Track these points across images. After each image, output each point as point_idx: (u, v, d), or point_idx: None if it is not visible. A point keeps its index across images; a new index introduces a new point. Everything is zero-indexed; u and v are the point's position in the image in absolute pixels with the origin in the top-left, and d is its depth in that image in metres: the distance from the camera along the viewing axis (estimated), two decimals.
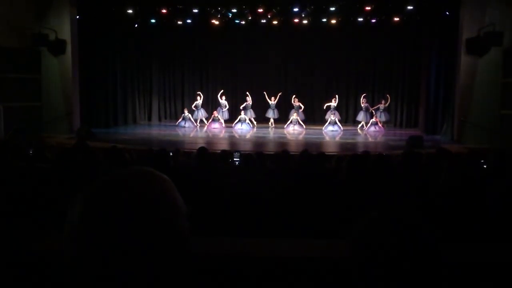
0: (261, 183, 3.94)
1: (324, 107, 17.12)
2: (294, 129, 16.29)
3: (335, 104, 16.71)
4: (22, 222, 2.93)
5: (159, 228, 0.76)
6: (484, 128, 12.74)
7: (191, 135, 15.69)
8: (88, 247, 0.73)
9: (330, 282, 2.04)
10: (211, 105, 18.80)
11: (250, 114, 17.14)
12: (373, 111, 16.84)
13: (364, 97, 16.99)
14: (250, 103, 17.17)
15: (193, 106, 17.52)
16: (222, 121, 17.09)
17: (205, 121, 17.26)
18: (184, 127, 16.96)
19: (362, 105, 16.89)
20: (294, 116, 16.55)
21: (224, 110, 17.32)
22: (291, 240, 2.28)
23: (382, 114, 16.77)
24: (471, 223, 3.03)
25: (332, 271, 2.03)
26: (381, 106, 16.82)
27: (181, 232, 0.79)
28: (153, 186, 0.80)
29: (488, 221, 3.05)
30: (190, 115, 17.21)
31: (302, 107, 16.97)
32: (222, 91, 17.70)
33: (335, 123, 16.36)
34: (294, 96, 17.08)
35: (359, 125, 16.78)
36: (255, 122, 17.21)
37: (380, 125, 16.50)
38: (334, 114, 16.50)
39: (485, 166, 5.63)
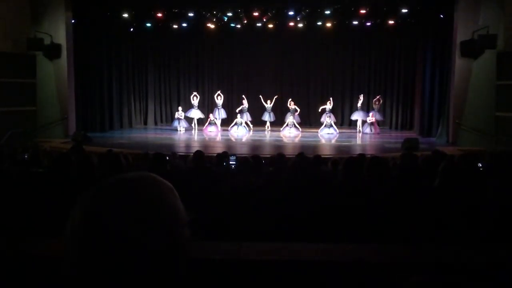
0: (257, 186, 3.94)
1: (319, 110, 17.15)
2: (290, 132, 16.31)
3: (330, 107, 16.75)
4: (18, 226, 2.92)
5: (157, 235, 0.76)
6: (479, 130, 12.80)
7: (187, 138, 15.68)
8: (86, 252, 0.73)
9: (330, 285, 2.04)
10: (207, 108, 18.80)
11: (246, 117, 17.16)
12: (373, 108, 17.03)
13: (359, 98, 17.08)
14: (246, 106, 17.19)
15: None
16: (219, 122, 17.14)
17: (196, 123, 17.26)
18: (178, 127, 16.91)
19: (358, 105, 17.00)
20: (290, 119, 16.57)
21: (220, 108, 17.32)
22: (288, 244, 2.28)
23: (377, 114, 16.87)
24: (467, 224, 3.03)
25: (331, 274, 2.03)
26: (375, 106, 16.96)
27: (179, 239, 0.79)
28: (153, 192, 0.80)
29: (484, 222, 3.06)
30: (183, 114, 17.19)
31: (298, 110, 17.00)
32: (219, 91, 17.72)
33: (331, 125, 16.38)
34: (290, 99, 17.11)
35: (364, 128, 16.66)
36: (251, 125, 17.22)
37: (375, 125, 16.54)
38: (329, 116, 16.53)
39: (480, 167, 5.65)
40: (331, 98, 17.05)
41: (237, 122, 16.70)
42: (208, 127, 16.96)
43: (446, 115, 14.35)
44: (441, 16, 14.76)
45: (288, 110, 17.01)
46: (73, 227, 0.76)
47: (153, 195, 0.79)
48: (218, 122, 17.28)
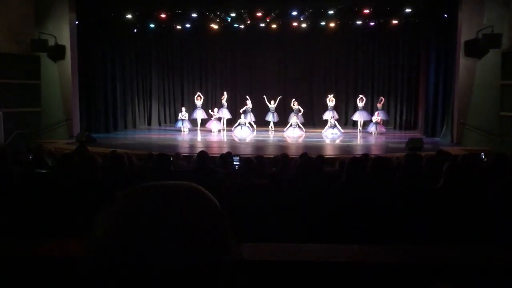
0: (260, 186, 3.94)
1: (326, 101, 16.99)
2: (294, 133, 16.28)
3: (332, 104, 16.71)
4: (23, 227, 2.92)
5: (192, 254, 0.67)
6: (484, 130, 12.74)
7: (191, 139, 15.69)
8: (114, 254, 0.67)
9: (333, 285, 2.03)
10: (210, 109, 18.79)
11: (250, 117, 17.15)
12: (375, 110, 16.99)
13: (360, 98, 17.03)
14: (250, 107, 17.18)
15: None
16: (224, 121, 17.12)
17: (200, 124, 17.32)
18: (181, 128, 16.92)
19: (359, 105, 16.96)
20: (293, 119, 16.54)
21: (225, 108, 17.31)
22: (291, 245, 2.27)
23: (381, 113, 16.80)
24: (471, 225, 3.02)
25: (335, 275, 2.03)
26: (379, 105, 16.91)
27: (215, 264, 0.70)
28: (203, 214, 0.71)
29: (488, 222, 3.04)
30: (187, 114, 17.21)
31: (302, 110, 16.97)
32: (224, 92, 17.68)
33: (335, 125, 16.34)
34: (293, 99, 17.08)
35: (370, 127, 16.57)
36: (254, 126, 17.21)
37: (381, 125, 16.48)
38: (333, 117, 16.47)
39: (485, 167, 5.63)
40: (331, 95, 16.92)
41: (241, 123, 16.69)
42: (211, 122, 16.94)
43: (450, 115, 14.29)
44: (445, 15, 14.70)
45: (291, 110, 16.98)
46: (105, 227, 0.69)
47: (201, 218, 0.71)
48: (223, 121, 17.29)
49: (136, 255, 0.65)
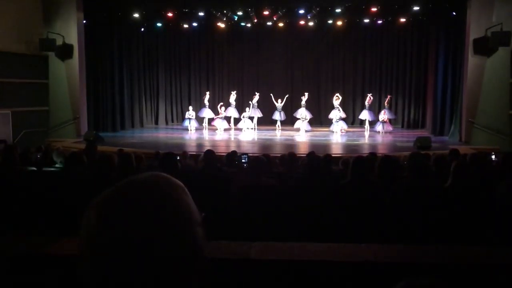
0: (268, 185, 3.94)
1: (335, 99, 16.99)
2: (302, 126, 16.36)
3: (338, 103, 16.68)
4: (31, 225, 2.94)
5: (172, 235, 0.75)
6: (493, 128, 12.64)
7: (198, 138, 15.72)
8: (101, 254, 0.73)
9: (340, 285, 2.03)
10: (216, 109, 18.82)
11: (255, 112, 17.07)
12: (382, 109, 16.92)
13: (369, 97, 16.95)
14: (256, 100, 17.12)
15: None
16: (232, 117, 17.14)
17: (207, 123, 17.35)
18: (188, 127, 16.93)
19: (366, 104, 16.88)
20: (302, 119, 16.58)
21: (233, 108, 17.30)
22: (299, 244, 2.27)
23: (387, 112, 16.71)
24: (478, 224, 3.00)
25: (341, 274, 2.02)
26: (386, 105, 16.82)
27: (195, 240, 0.78)
28: (166, 192, 0.79)
29: (496, 222, 3.02)
30: (194, 113, 17.23)
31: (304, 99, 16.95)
32: (234, 92, 17.64)
33: (340, 119, 16.34)
34: (305, 93, 17.08)
35: (376, 126, 16.52)
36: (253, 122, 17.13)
37: (388, 123, 16.39)
38: (339, 110, 16.45)
39: (494, 166, 5.58)
40: (337, 94, 16.95)
41: (244, 116, 16.78)
42: (217, 120, 16.93)
43: (458, 113, 14.19)
44: (453, 13, 14.60)
45: (300, 106, 16.92)
46: (88, 230, 0.75)
47: (166, 195, 0.78)
48: (232, 120, 17.29)
49: (118, 249, 0.72)
